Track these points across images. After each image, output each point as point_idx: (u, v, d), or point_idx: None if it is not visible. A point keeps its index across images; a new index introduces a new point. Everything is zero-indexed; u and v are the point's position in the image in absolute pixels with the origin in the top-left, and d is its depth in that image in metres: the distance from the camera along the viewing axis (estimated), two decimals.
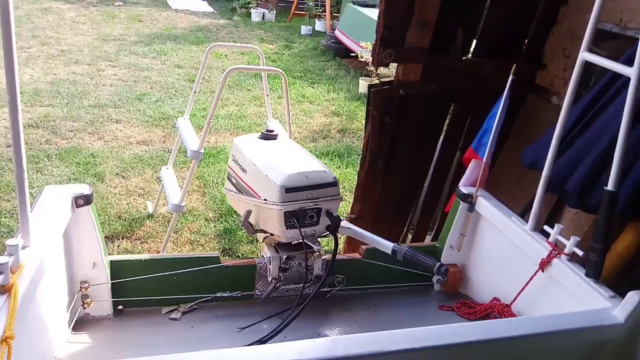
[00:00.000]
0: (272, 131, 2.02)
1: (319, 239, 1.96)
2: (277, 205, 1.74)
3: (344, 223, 1.97)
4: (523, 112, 2.74)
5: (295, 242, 1.91)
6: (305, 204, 1.77)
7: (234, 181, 1.97)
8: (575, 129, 2.09)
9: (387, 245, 1.90)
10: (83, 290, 1.72)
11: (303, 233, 1.80)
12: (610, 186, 1.59)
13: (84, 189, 1.68)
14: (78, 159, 4.34)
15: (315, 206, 1.80)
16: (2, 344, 1.09)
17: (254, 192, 1.86)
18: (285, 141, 2.08)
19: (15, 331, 1.12)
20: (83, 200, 1.65)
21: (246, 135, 2.06)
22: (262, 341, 1.61)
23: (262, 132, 2.02)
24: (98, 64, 6.98)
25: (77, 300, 1.71)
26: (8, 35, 1.14)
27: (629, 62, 1.56)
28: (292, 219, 1.77)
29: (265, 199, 1.79)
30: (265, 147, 1.96)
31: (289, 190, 1.74)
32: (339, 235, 1.96)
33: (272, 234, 1.92)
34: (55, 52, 7.30)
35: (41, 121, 4.99)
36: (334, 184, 1.83)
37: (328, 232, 1.89)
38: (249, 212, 1.85)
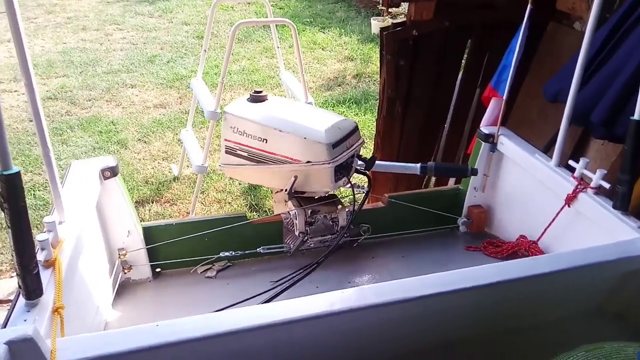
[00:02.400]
0: (261, 92, 1.93)
1: (357, 183, 1.99)
2: (328, 163, 1.74)
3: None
4: (544, 42, 2.62)
5: (320, 195, 1.94)
6: (347, 153, 1.81)
7: (244, 154, 1.86)
8: (599, 56, 2.00)
9: (414, 167, 1.98)
10: (121, 257, 1.80)
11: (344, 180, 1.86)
12: (637, 115, 1.54)
13: (110, 161, 1.73)
14: (100, 128, 4.41)
15: (352, 153, 1.85)
16: (54, 314, 1.17)
17: (288, 158, 1.79)
18: (278, 99, 2.01)
19: (64, 301, 1.20)
20: (110, 172, 1.70)
21: (234, 103, 1.92)
22: (283, 290, 1.65)
23: (250, 95, 1.90)
24: (105, 28, 6.90)
25: (117, 267, 1.80)
26: (11, 7, 1.12)
27: None
28: (340, 171, 1.82)
29: (308, 161, 1.76)
30: (269, 110, 1.87)
31: (335, 145, 1.75)
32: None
33: (302, 193, 1.92)
34: (62, 19, 7.24)
35: (58, 92, 5.04)
36: (357, 128, 1.89)
37: (359, 174, 1.95)
38: (295, 179, 1.81)
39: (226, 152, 1.90)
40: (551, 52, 2.58)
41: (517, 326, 1.48)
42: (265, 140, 1.80)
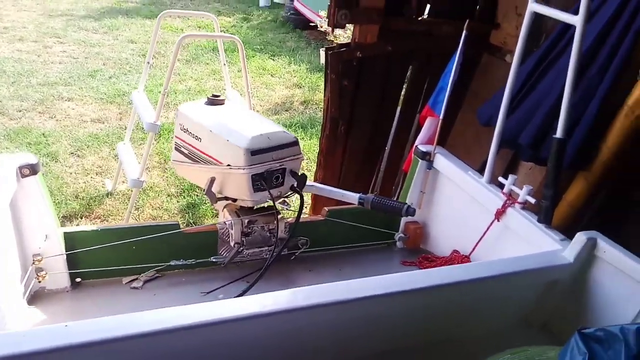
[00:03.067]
0: (218, 96, 1.96)
1: (286, 200, 1.95)
2: (244, 169, 1.72)
3: (309, 182, 1.96)
4: (479, 72, 2.78)
5: (256, 206, 1.90)
6: (271, 165, 1.76)
7: (186, 151, 1.89)
8: (527, 84, 2.14)
9: (353, 197, 1.93)
10: (36, 263, 1.66)
11: (268, 196, 1.79)
12: (558, 134, 1.65)
13: (30, 158, 1.61)
14: (29, 139, 4.15)
15: (280, 167, 1.79)
16: None
17: (213, 159, 1.81)
18: (233, 105, 2.03)
19: None
20: (29, 170, 1.58)
21: (191, 102, 1.98)
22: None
23: (207, 98, 1.94)
24: (45, 41, 6.62)
25: (30, 274, 1.65)
26: None
27: (577, 13, 1.60)
28: (260, 181, 1.76)
29: (228, 164, 1.75)
30: (216, 112, 1.90)
31: (254, 152, 1.72)
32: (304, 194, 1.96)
33: (234, 200, 1.89)
34: None
35: None
36: (295, 143, 1.83)
37: (292, 192, 1.89)
38: (212, 180, 1.82)
39: (175, 148, 1.94)
40: (485, 81, 2.73)
41: (446, 338, 1.49)
42: (200, 139, 1.80)
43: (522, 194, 1.77)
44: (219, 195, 1.89)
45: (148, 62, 3.36)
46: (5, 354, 0.94)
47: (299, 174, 1.87)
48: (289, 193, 1.90)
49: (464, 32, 2.07)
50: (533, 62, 2.16)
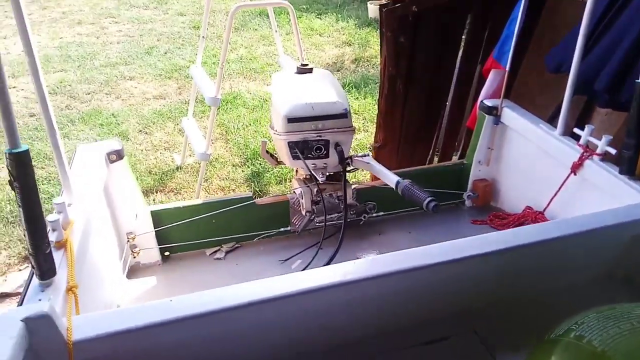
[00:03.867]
0: (306, 65, 1.99)
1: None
2: (282, 135, 1.77)
3: (359, 157, 1.95)
4: (544, 15, 2.60)
5: (329, 174, 1.93)
6: (307, 135, 1.77)
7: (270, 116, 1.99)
8: (600, 25, 1.99)
9: (392, 179, 1.84)
10: (130, 240, 1.81)
11: (312, 165, 1.81)
12: None
13: (115, 144, 1.73)
14: (100, 120, 4.40)
15: (319, 138, 1.78)
16: (68, 293, 1.18)
17: (272, 123, 1.89)
18: (320, 73, 2.02)
19: (77, 281, 1.21)
20: (116, 156, 1.70)
21: (284, 71, 2.05)
22: (305, 268, 1.69)
23: (297, 67, 1.99)
24: (101, 22, 6.86)
25: (126, 251, 1.81)
26: (17, 5, 1.14)
27: None
28: (296, 150, 1.78)
29: (275, 130, 1.82)
30: (295, 80, 1.94)
31: (291, 120, 1.75)
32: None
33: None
34: (57, 15, 7.19)
35: (57, 87, 5.02)
36: (344, 115, 1.79)
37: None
38: (264, 143, 1.91)
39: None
40: (552, 24, 2.56)
41: (527, 294, 1.49)
42: (271, 104, 1.90)
43: (601, 144, 1.69)
44: (279, 159, 1.96)
45: (202, 37, 3.42)
46: (122, 329, 1.06)
47: (340, 148, 1.82)
48: (337, 167, 1.87)
49: None
50: (606, 1, 1.99)
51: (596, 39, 1.99)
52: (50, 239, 1.18)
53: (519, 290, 1.48)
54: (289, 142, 1.78)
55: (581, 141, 1.74)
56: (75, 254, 1.27)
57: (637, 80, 1.54)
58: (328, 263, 1.72)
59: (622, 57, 1.85)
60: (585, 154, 1.72)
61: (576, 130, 1.79)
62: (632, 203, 1.49)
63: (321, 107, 1.78)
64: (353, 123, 1.84)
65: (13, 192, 1.05)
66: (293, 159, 1.82)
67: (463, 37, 2.67)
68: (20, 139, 1.04)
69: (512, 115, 2.00)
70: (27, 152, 1.03)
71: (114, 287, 1.66)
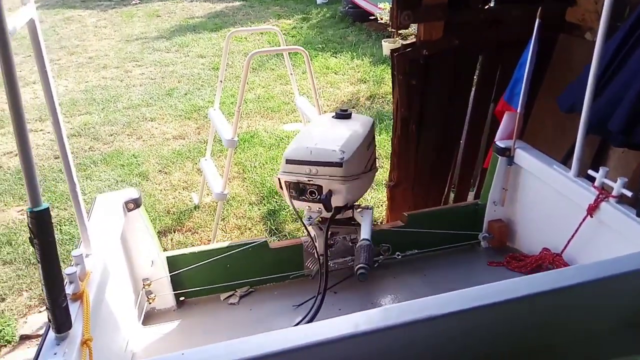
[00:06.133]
0: (346, 110, 2.07)
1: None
2: (279, 174, 1.85)
3: (362, 208, 1.96)
4: (556, 55, 2.62)
5: (341, 217, 1.94)
6: (301, 177, 1.81)
7: None
8: (612, 64, 1.99)
9: (363, 235, 1.84)
10: (146, 287, 1.84)
11: (308, 207, 1.85)
12: None
13: (133, 193, 1.78)
14: (121, 161, 4.53)
15: (312, 182, 1.80)
16: (82, 346, 1.19)
17: None
18: (358, 120, 2.04)
19: (92, 333, 1.23)
20: (133, 204, 1.75)
21: (327, 114, 2.14)
22: (309, 314, 1.68)
23: (336, 113, 2.07)
24: (125, 66, 7.14)
25: (142, 297, 1.83)
26: (39, 53, 1.20)
27: None
28: (291, 190, 1.84)
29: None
30: (326, 123, 2.01)
31: (289, 161, 1.81)
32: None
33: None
34: (84, 60, 7.52)
35: (82, 129, 5.21)
36: (339, 164, 1.78)
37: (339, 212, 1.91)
38: (278, 180, 1.94)
39: None
40: (563, 64, 2.58)
41: (546, 342, 1.45)
42: None
43: (617, 187, 1.67)
44: None
45: (220, 81, 3.53)
46: None
47: (328, 196, 1.81)
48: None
49: (537, 19, 1.97)
50: (619, 39, 2.01)
51: (609, 79, 2.00)
52: (67, 292, 1.22)
53: (539, 339, 1.44)
54: (285, 182, 1.84)
55: (596, 183, 1.73)
56: (91, 305, 1.29)
57: None
58: (315, 313, 1.70)
59: (635, 97, 1.84)
60: (600, 196, 1.70)
61: (591, 172, 1.77)
62: None
63: (319, 152, 1.80)
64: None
65: (32, 248, 1.09)
66: (289, 198, 1.88)
67: (474, 77, 2.71)
68: (44, 180, 1.08)
69: (525, 157, 2.00)
70: (47, 210, 1.07)
71: (130, 334, 1.68)
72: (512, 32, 2.40)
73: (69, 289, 1.27)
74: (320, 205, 1.84)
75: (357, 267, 1.69)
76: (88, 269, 1.38)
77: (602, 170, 1.72)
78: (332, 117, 2.04)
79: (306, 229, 1.91)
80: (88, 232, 1.46)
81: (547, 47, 2.54)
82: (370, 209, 1.95)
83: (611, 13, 1.65)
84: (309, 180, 1.81)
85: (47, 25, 9.49)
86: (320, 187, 1.82)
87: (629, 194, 1.64)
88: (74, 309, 1.24)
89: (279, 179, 1.93)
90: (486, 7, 2.50)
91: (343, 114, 2.02)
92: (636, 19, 1.95)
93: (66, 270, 1.27)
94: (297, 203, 1.86)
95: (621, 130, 1.87)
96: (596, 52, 1.72)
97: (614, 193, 1.67)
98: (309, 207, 1.85)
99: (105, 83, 6.54)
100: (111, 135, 5.09)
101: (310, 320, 1.68)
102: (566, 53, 2.57)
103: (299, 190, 1.83)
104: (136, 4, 11.05)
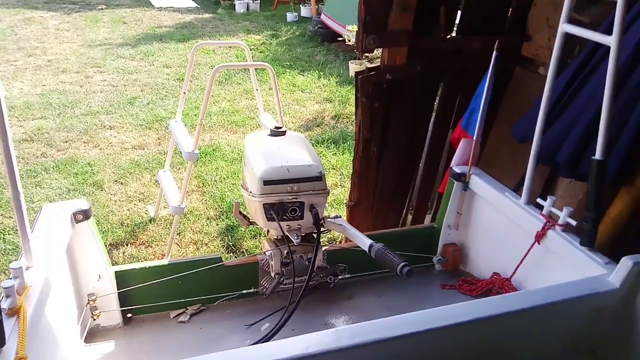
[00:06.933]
0: (280, 128, 2.06)
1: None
2: (256, 197, 1.79)
3: (331, 219, 1.97)
4: (511, 86, 2.74)
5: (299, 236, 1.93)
6: (283, 197, 1.79)
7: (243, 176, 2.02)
8: (563, 98, 2.10)
9: (365, 243, 1.84)
10: (91, 302, 1.75)
11: (287, 226, 1.83)
12: (597, 155, 1.61)
13: (82, 204, 1.71)
14: (75, 169, 4.36)
15: (295, 200, 1.81)
16: None
17: (246, 184, 1.91)
18: (293, 136, 2.08)
19: (28, 350, 1.16)
20: (82, 215, 1.68)
21: (257, 132, 2.12)
22: (266, 337, 1.65)
23: (270, 130, 2.05)
24: (86, 71, 6.94)
25: (86, 313, 1.75)
26: None
27: (609, 31, 1.57)
28: (271, 211, 1.81)
29: (250, 191, 1.84)
30: (269, 142, 1.99)
31: (267, 182, 1.78)
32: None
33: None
34: (42, 62, 7.27)
35: (35, 134, 5.00)
36: (319, 178, 1.83)
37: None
38: (237, 204, 1.92)
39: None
40: (519, 95, 2.69)
41: None
42: (245, 165, 1.94)
43: (562, 215, 1.74)
44: (251, 220, 1.97)
45: (184, 92, 3.49)
46: None
47: (315, 210, 1.85)
48: (312, 228, 1.90)
49: (495, 52, 2.05)
50: (568, 75, 2.12)
51: (559, 112, 2.10)
52: (2, 306, 1.15)
53: None
54: (264, 204, 1.80)
55: (544, 211, 1.79)
56: (28, 321, 1.22)
57: (593, 157, 1.62)
58: (271, 336, 1.67)
59: (582, 132, 1.94)
60: (547, 224, 1.76)
61: (539, 200, 1.84)
62: (592, 275, 1.52)
63: (296, 169, 1.81)
64: (330, 179, 1.87)
65: None
66: (268, 221, 1.83)
67: (435, 104, 2.79)
68: None
69: (479, 183, 2.06)
70: None
71: (70, 353, 1.59)
72: (472, 61, 2.49)
73: (4, 303, 1.20)
74: (300, 222, 1.85)
75: (400, 266, 1.64)
76: (28, 282, 1.31)
77: (549, 199, 1.79)
78: (268, 135, 2.03)
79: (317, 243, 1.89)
80: (30, 244, 1.38)
81: (504, 78, 2.65)
82: (340, 216, 1.97)
83: (562, 50, 1.74)
84: (293, 199, 1.80)
85: (6, 25, 9.15)
86: (302, 204, 1.82)
87: (573, 222, 1.72)
88: (9, 324, 1.17)
89: (238, 203, 1.90)
90: (448, 36, 2.60)
91: (279, 132, 2.03)
92: (585, 57, 2.07)
93: (3, 283, 1.20)
94: (272, 224, 1.83)
95: (568, 162, 1.96)
96: (547, 87, 1.81)
97: (560, 221, 1.74)
98: (288, 225, 1.83)
99: (64, 87, 6.33)
100: (66, 141, 4.91)
101: (267, 340, 1.65)
102: (521, 85, 2.69)
103: (281, 210, 1.81)
104: (102, 9, 10.83)
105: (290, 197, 1.80)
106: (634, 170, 1.87)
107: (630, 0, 1.90)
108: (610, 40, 1.52)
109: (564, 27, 1.68)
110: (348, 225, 1.99)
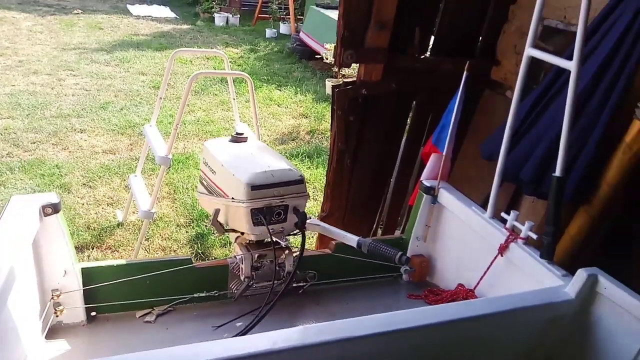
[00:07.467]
0: (242, 134, 2.08)
1: (287, 237, 2.00)
2: (244, 202, 1.79)
3: (312, 220, 2.02)
4: (481, 107, 2.86)
5: (267, 240, 1.96)
6: (271, 201, 1.82)
7: (205, 183, 2.01)
8: (527, 120, 2.21)
9: (352, 239, 1.95)
10: (55, 298, 1.71)
11: (271, 230, 1.85)
12: (557, 172, 1.70)
13: (52, 197, 1.68)
14: (42, 171, 4.26)
15: (281, 203, 1.85)
16: None
17: (222, 191, 1.90)
18: (255, 143, 2.13)
19: None
20: (51, 209, 1.65)
21: (217, 138, 2.11)
22: (237, 335, 1.65)
23: (231, 136, 2.07)
24: (58, 74, 6.82)
25: (49, 309, 1.70)
26: None
27: (570, 57, 1.68)
28: (259, 216, 1.82)
29: (232, 198, 1.84)
30: (235, 149, 2.01)
31: (254, 187, 1.79)
32: (308, 232, 2.01)
33: (242, 233, 1.96)
34: (13, 62, 7.10)
35: (1, 134, 4.86)
36: (300, 181, 1.88)
37: (297, 229, 1.94)
38: (217, 211, 1.91)
39: (199, 181, 2.07)
40: (487, 116, 2.82)
41: None
42: (215, 173, 1.92)
43: (524, 229, 1.82)
44: (227, 227, 1.97)
45: (160, 98, 3.48)
46: None
47: (301, 211, 1.91)
48: (294, 230, 1.94)
49: (465, 72, 2.15)
50: (533, 99, 2.23)
51: (523, 133, 2.21)
52: None
53: None
54: (252, 209, 1.81)
55: (507, 225, 1.87)
56: None
57: (553, 174, 1.71)
58: (244, 331, 1.69)
59: (544, 152, 2.04)
60: (510, 237, 1.84)
61: (504, 214, 1.92)
62: (550, 286, 1.60)
63: (280, 174, 1.85)
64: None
65: None
66: (254, 225, 1.84)
67: (408, 120, 2.88)
68: None
69: (447, 196, 2.13)
70: None
71: (30, 349, 1.55)
72: (443, 82, 2.59)
73: None
74: (283, 225, 1.88)
75: (398, 255, 1.85)
76: None
77: (512, 213, 1.88)
78: (229, 141, 2.05)
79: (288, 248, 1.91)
80: None
81: (474, 98, 2.77)
82: (313, 217, 2.01)
83: (528, 75, 1.84)
84: (280, 202, 1.83)
85: None
86: (286, 207, 1.85)
87: (534, 236, 1.80)
88: None
89: (218, 210, 1.89)
90: (422, 56, 2.70)
91: (241, 138, 2.06)
92: (548, 83, 2.20)
93: None
94: (258, 229, 1.84)
95: (531, 179, 2.06)
96: (512, 109, 1.91)
97: (522, 235, 1.82)
98: (272, 229, 1.85)
99: (34, 89, 6.20)
100: (34, 142, 4.80)
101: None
102: (490, 106, 2.82)
103: (266, 214, 1.83)
104: (78, 13, 10.70)
105: (277, 201, 1.83)
106: (592, 189, 1.99)
107: (590, 32, 2.04)
108: (571, 65, 1.63)
109: (529, 51, 1.79)
110: (328, 226, 2.04)
